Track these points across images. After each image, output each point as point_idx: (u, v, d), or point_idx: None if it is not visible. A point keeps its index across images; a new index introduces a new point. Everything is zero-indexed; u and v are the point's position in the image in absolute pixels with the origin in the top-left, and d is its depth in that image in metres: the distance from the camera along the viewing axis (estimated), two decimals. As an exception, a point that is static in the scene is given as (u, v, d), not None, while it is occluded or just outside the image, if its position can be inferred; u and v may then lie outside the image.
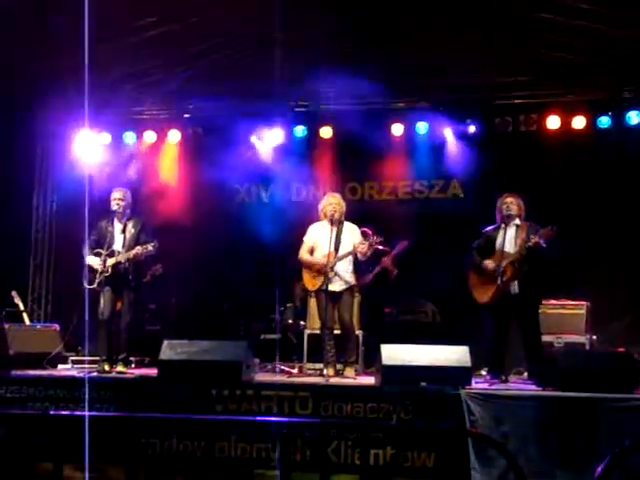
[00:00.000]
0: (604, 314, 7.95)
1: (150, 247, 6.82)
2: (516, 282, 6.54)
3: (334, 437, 5.53)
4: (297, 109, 9.37)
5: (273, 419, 5.61)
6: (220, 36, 8.53)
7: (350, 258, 7.07)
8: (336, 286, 6.97)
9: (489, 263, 6.64)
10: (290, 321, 8.59)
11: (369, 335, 7.78)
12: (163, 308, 9.09)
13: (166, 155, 9.78)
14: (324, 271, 6.87)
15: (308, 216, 7.64)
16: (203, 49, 8.76)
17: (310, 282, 7.11)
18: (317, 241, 7.14)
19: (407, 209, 9.36)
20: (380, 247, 7.76)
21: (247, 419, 5.76)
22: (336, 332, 7.08)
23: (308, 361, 7.73)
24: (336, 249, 6.99)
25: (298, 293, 8.85)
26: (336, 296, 6.98)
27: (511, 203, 6.72)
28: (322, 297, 6.97)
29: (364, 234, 7.70)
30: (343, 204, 7.17)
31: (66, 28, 7.68)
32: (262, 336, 8.67)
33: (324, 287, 6.88)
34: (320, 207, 7.22)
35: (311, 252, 7.18)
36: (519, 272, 6.51)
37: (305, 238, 7.22)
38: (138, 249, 6.83)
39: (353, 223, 7.27)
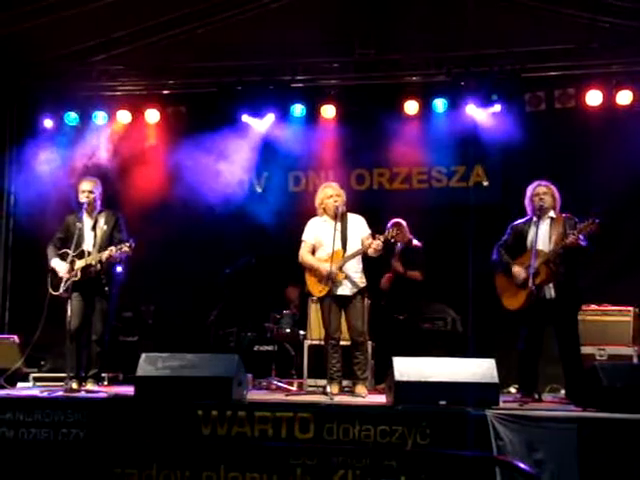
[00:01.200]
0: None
1: (125, 248, 6.82)
2: (552, 285, 6.54)
3: (339, 465, 5.53)
4: (294, 84, 9.33)
5: (269, 444, 5.60)
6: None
7: (359, 257, 7.05)
8: (345, 289, 6.97)
9: (519, 270, 6.63)
10: (287, 330, 8.59)
11: (380, 346, 7.79)
12: (140, 316, 9.10)
13: (143, 138, 9.75)
14: (332, 273, 6.85)
15: (308, 208, 7.63)
16: (185, 14, 8.78)
17: (315, 287, 7.09)
18: (319, 239, 7.13)
19: (423, 200, 9.36)
20: (416, 242, 7.73)
21: (239, 444, 5.74)
22: (342, 343, 7.08)
23: (309, 377, 7.74)
24: (343, 246, 6.98)
25: (293, 298, 8.87)
26: (345, 301, 6.98)
27: (545, 193, 6.70)
28: (328, 303, 6.94)
29: (398, 226, 7.72)
30: (343, 194, 7.16)
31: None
32: (255, 348, 8.69)
33: (333, 291, 6.86)
34: (317, 201, 7.20)
35: (313, 252, 7.17)
36: (555, 273, 6.50)
37: (304, 237, 7.21)
38: (112, 250, 6.83)
39: (360, 215, 7.25)
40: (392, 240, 6.97)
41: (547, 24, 8.33)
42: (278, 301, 9.02)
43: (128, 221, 7.52)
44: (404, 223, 8.34)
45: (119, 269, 7.36)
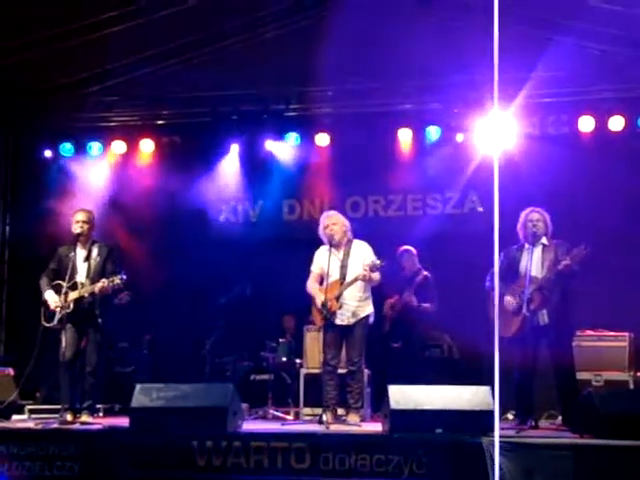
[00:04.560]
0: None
1: (117, 280, 6.80)
2: (545, 311, 6.54)
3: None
4: (288, 113, 9.39)
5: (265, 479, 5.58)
6: (198, 30, 8.62)
7: (362, 284, 7.03)
8: (344, 319, 6.96)
9: (509, 301, 6.65)
10: (284, 359, 8.58)
11: (376, 375, 7.78)
12: (136, 347, 9.08)
13: (137, 168, 9.81)
14: (327, 303, 6.87)
15: (303, 236, 7.66)
16: (179, 45, 8.86)
17: (317, 316, 7.10)
18: (324, 268, 7.09)
19: (418, 227, 9.37)
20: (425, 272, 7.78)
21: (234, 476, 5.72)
22: (340, 371, 7.08)
23: (305, 405, 7.73)
24: (342, 275, 6.99)
25: (289, 327, 8.88)
26: (344, 330, 6.98)
27: (538, 220, 6.73)
28: (329, 333, 6.96)
29: (406, 253, 7.93)
30: (342, 221, 7.15)
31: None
32: (252, 377, 8.68)
33: (332, 320, 6.88)
34: (319, 231, 7.21)
35: (321, 281, 7.17)
36: (548, 299, 6.52)
37: (312, 267, 7.21)
38: (104, 282, 6.81)
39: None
40: (379, 269, 6.97)
41: (540, 51, 8.39)
42: (274, 330, 9.02)
43: (123, 252, 7.55)
44: (414, 252, 8.38)
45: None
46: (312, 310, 7.18)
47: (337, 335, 6.96)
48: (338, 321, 6.91)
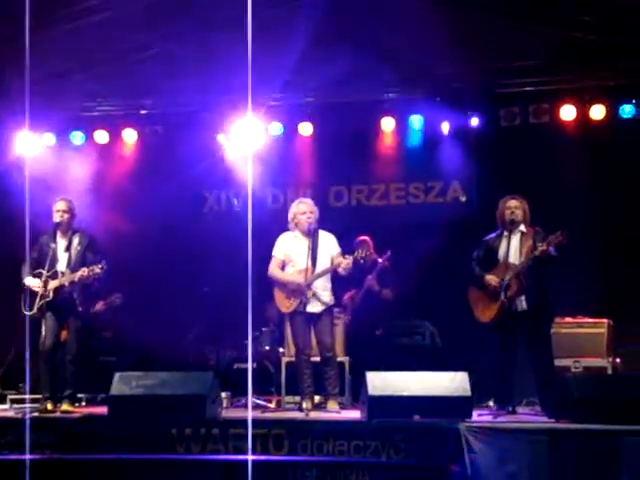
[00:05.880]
0: (628, 333, 7.99)
1: (97, 269, 6.81)
2: (523, 297, 6.60)
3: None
4: (272, 103, 9.39)
5: (242, 457, 5.60)
6: (180, 19, 8.61)
7: (328, 275, 7.10)
8: (314, 307, 7.02)
9: (491, 278, 6.69)
10: (267, 348, 8.61)
11: (357, 363, 7.82)
12: (119, 336, 9.08)
13: (120, 158, 9.80)
14: (301, 290, 6.90)
15: (287, 226, 7.67)
16: (162, 34, 8.85)
17: (283, 303, 7.13)
18: (289, 254, 7.17)
19: (401, 216, 9.42)
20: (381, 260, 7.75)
21: (212, 459, 5.74)
22: (314, 359, 7.12)
23: (287, 393, 7.77)
24: (313, 264, 7.03)
25: (272, 316, 8.90)
26: (314, 318, 7.04)
27: (516, 207, 6.78)
28: (298, 320, 7.03)
29: (364, 243, 7.81)
30: (317, 211, 7.21)
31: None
32: (235, 366, 8.69)
33: (301, 308, 6.93)
34: (290, 216, 7.23)
35: (282, 268, 7.21)
36: (526, 286, 6.56)
37: (274, 252, 7.25)
38: (84, 271, 6.82)
39: (335, 233, 7.31)
40: (361, 261, 7.04)
41: (520, 40, 8.41)
42: (257, 319, 9.03)
43: (106, 241, 7.56)
44: (370, 242, 8.41)
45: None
46: (276, 296, 7.20)
47: (306, 323, 7.02)
48: (309, 308, 6.97)
